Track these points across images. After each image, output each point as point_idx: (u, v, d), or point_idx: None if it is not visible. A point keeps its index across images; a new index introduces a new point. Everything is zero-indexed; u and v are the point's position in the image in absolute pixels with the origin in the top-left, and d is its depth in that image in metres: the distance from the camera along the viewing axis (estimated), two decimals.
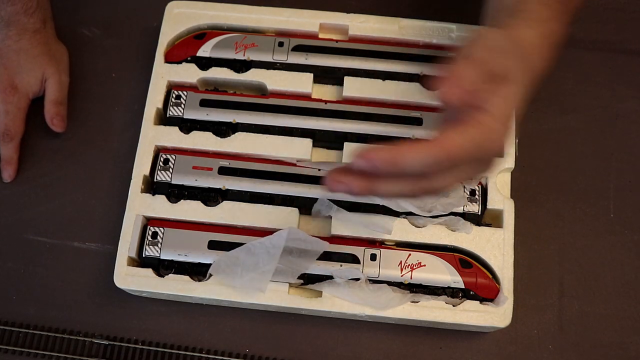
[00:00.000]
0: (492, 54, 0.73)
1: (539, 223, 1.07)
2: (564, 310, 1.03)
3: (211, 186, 1.02)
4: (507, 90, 0.71)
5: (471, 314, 0.95)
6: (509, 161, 1.01)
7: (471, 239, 0.98)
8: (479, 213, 0.99)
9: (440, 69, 0.71)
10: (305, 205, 1.01)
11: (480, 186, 1.01)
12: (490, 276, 0.97)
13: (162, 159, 1.03)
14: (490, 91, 0.70)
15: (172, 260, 0.98)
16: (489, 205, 1.00)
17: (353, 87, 1.06)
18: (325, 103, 1.06)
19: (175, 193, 1.02)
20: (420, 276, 0.96)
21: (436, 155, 0.66)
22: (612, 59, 1.17)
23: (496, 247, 0.98)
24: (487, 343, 1.02)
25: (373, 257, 0.97)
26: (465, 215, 0.99)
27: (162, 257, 0.98)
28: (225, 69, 1.08)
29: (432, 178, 0.69)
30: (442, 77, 0.69)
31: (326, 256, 0.97)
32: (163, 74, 1.07)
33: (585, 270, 1.05)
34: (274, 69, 1.07)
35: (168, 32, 1.09)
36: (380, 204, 0.99)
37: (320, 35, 1.10)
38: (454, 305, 0.96)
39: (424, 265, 0.97)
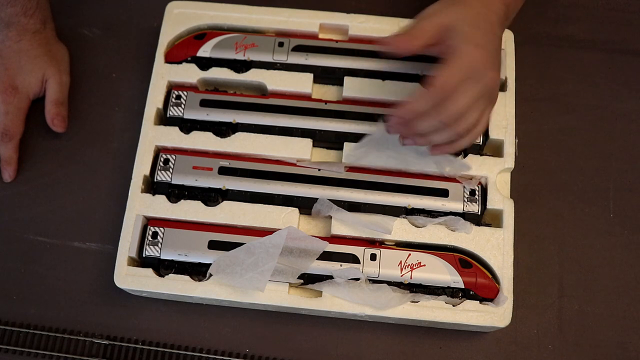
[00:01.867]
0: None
1: (539, 223, 1.07)
2: (564, 310, 1.03)
3: (211, 186, 1.02)
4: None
5: (471, 314, 0.95)
6: (508, 161, 1.01)
7: (471, 238, 0.98)
8: (479, 213, 1.00)
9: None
10: (305, 205, 1.01)
11: (480, 186, 1.01)
12: (490, 276, 0.97)
13: (162, 159, 1.03)
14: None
15: (172, 260, 0.99)
16: (489, 205, 1.00)
17: (353, 87, 1.06)
18: (325, 103, 1.06)
19: (176, 193, 1.02)
20: (420, 276, 0.96)
21: (432, 93, 0.85)
22: (612, 59, 1.17)
23: (496, 247, 0.98)
24: (487, 343, 1.02)
25: (373, 257, 0.97)
26: (465, 215, 1.00)
27: (162, 257, 0.98)
28: (225, 69, 1.08)
29: (450, 114, 0.86)
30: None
31: (326, 256, 0.97)
32: (163, 74, 1.07)
33: (585, 270, 1.05)
34: (274, 69, 1.08)
35: (168, 32, 1.10)
36: (380, 204, 1.00)
37: (320, 36, 1.11)
38: (453, 305, 0.96)
39: (424, 265, 0.97)
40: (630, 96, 1.15)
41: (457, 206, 1.00)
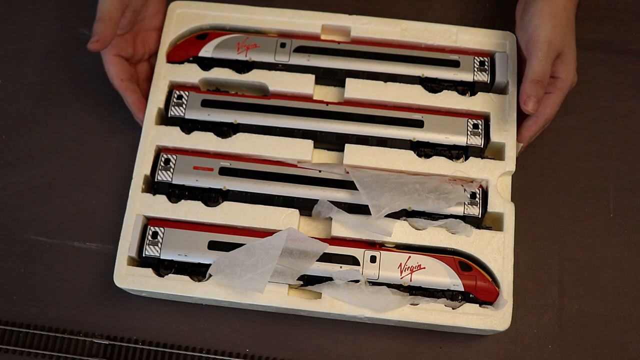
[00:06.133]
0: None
1: (539, 223, 1.08)
2: (564, 310, 1.04)
3: (212, 186, 1.02)
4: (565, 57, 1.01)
5: (470, 317, 0.95)
6: (509, 164, 1.01)
7: (471, 242, 0.98)
8: (479, 216, 1.00)
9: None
10: (305, 207, 1.01)
11: (480, 189, 1.01)
12: (490, 279, 0.97)
13: (163, 159, 1.03)
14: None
15: (172, 260, 0.99)
16: (490, 209, 1.00)
17: (354, 89, 1.06)
18: (327, 104, 1.06)
19: (176, 193, 1.02)
20: (419, 278, 0.97)
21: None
22: (612, 59, 1.17)
23: (496, 250, 0.98)
24: (487, 342, 1.02)
25: (373, 259, 0.97)
26: (466, 218, 1.00)
27: (162, 257, 0.99)
28: (227, 70, 1.08)
29: None
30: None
31: (326, 257, 0.97)
32: (165, 74, 1.07)
33: (585, 270, 1.06)
34: (276, 69, 1.08)
35: (170, 32, 1.09)
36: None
37: (322, 37, 1.10)
38: (453, 308, 0.96)
39: (424, 268, 0.97)
40: (630, 96, 1.15)
41: (458, 209, 1.00)
